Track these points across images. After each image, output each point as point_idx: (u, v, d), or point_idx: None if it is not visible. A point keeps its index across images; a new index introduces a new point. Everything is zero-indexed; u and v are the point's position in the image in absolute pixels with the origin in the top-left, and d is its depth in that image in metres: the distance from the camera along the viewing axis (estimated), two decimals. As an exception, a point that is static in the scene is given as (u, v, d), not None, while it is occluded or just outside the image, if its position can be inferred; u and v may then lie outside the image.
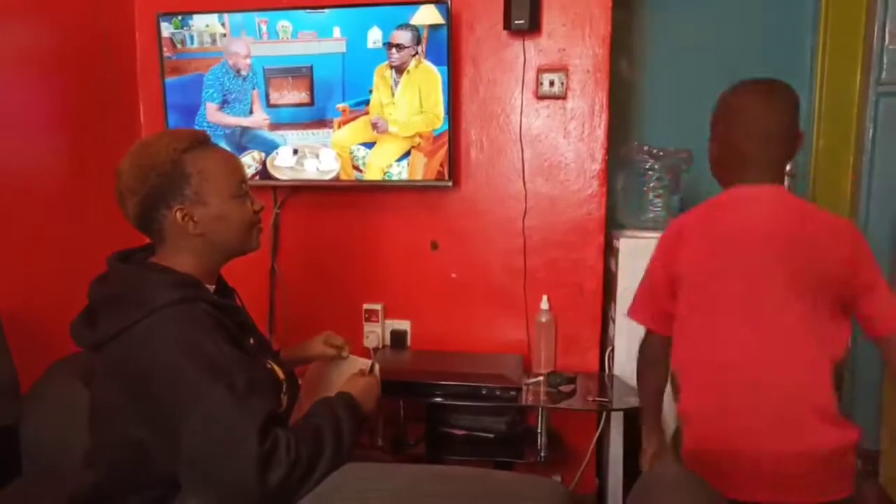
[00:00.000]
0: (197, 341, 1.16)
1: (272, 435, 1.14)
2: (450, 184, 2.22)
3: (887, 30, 2.31)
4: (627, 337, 2.12)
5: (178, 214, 1.24)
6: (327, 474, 1.19)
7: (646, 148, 2.25)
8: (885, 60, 2.34)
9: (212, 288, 1.33)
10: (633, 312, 1.54)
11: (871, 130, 2.38)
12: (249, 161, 2.29)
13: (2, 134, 1.92)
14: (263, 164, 2.29)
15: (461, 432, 2.18)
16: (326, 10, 2.17)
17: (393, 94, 2.17)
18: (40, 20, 2.06)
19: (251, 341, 1.35)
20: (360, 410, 1.34)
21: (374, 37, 2.16)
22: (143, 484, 1.21)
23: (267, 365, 1.35)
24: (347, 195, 2.38)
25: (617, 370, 2.20)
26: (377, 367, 1.51)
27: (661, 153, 2.23)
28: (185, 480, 1.17)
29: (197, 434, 1.12)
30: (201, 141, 1.29)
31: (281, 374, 1.38)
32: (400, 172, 2.21)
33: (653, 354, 1.54)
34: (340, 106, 2.22)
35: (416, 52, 2.13)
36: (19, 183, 1.97)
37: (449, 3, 2.08)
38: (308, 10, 2.18)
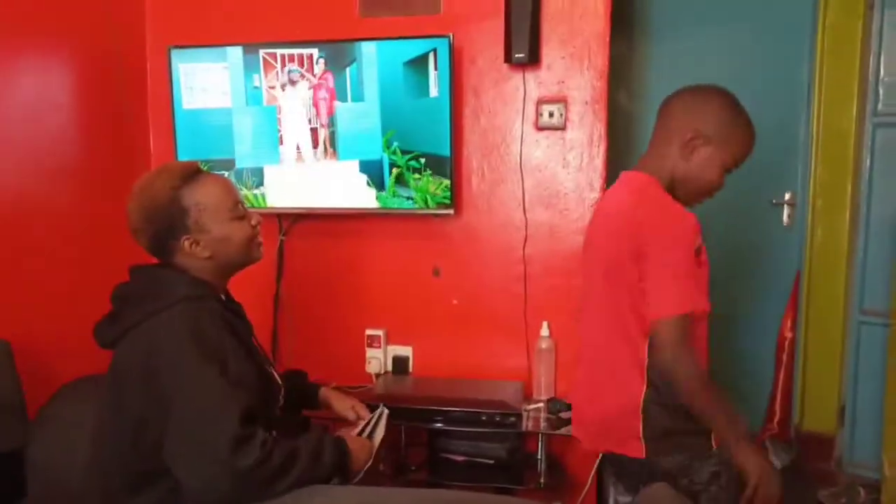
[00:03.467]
0: (203, 328, 1.29)
1: (251, 426, 1.23)
2: (451, 212, 2.25)
3: (882, 61, 2.35)
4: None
5: (187, 243, 1.37)
6: (293, 487, 1.24)
7: (644, 177, 2.27)
8: (880, 91, 2.37)
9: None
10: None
11: (868, 160, 2.40)
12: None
13: (12, 162, 1.97)
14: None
15: (462, 458, 2.19)
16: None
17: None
18: (53, 50, 2.13)
19: (255, 344, 1.48)
20: (345, 453, 1.39)
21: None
22: (144, 481, 1.28)
23: (267, 369, 1.46)
24: (351, 222, 2.42)
25: (617, 397, 2.20)
26: (386, 412, 1.66)
27: (659, 182, 2.25)
28: (168, 454, 1.23)
29: (186, 401, 1.22)
30: (192, 174, 1.40)
31: (279, 381, 1.50)
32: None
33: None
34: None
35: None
36: (29, 211, 2.01)
37: (451, 36, 2.14)
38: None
